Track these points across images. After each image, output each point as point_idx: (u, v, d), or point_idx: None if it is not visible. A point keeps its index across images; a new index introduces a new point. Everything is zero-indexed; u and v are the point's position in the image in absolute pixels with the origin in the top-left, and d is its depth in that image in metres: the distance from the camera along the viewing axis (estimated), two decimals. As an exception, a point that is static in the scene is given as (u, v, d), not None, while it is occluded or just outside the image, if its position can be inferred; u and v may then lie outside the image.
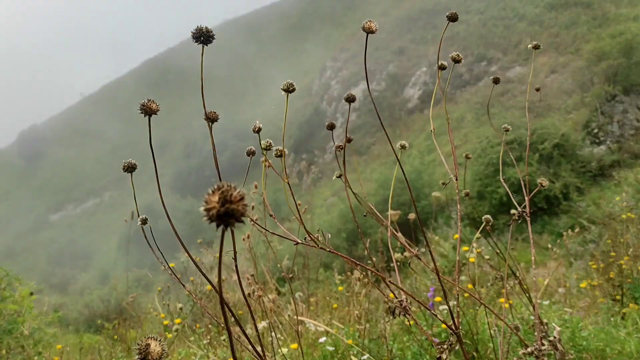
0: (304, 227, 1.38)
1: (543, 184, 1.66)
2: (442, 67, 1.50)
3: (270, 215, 1.63)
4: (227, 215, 0.56)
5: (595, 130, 16.59)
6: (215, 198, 0.58)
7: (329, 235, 1.49)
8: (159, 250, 1.44)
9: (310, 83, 41.22)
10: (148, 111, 1.01)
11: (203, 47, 1.09)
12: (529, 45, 1.72)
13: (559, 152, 14.57)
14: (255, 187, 1.94)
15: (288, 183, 1.51)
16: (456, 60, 1.46)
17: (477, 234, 1.82)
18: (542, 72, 23.10)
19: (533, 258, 1.63)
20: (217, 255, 0.67)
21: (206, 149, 40.37)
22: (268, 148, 1.46)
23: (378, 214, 1.65)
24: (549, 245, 5.85)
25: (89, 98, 75.12)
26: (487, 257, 2.86)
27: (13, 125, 71.62)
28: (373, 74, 33.95)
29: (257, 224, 1.57)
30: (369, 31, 1.25)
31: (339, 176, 1.56)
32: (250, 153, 1.48)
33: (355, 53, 36.89)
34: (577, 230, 5.72)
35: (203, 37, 1.06)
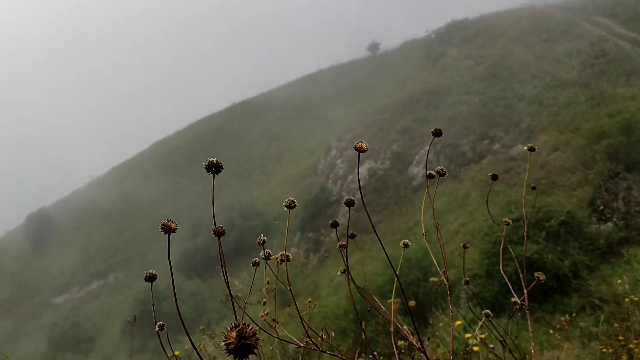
0: (305, 327, 1.36)
1: (540, 278, 1.65)
2: (429, 176, 1.57)
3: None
4: (243, 349, 0.77)
5: (601, 207, 16.56)
6: (234, 334, 0.77)
7: (332, 334, 1.47)
8: (163, 334, 1.42)
9: (316, 162, 41.82)
10: (167, 230, 1.11)
11: (214, 176, 1.28)
12: (524, 148, 1.77)
13: (565, 230, 14.47)
14: (268, 282, 1.93)
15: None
16: (441, 174, 1.55)
17: (480, 322, 1.78)
18: (544, 150, 23.40)
19: (532, 352, 1.58)
20: (221, 344, 0.77)
21: (212, 228, 40.35)
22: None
23: (380, 304, 1.62)
24: (563, 325, 5.68)
25: (97, 180, 76.24)
26: (491, 345, 2.77)
27: (23, 208, 72.11)
28: (377, 153, 34.48)
29: (265, 329, 1.55)
30: (360, 150, 1.33)
31: (343, 272, 1.56)
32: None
33: (360, 133, 37.68)
34: (588, 310, 5.58)
35: (214, 168, 1.27)
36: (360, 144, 1.35)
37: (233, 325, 0.75)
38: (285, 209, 1.36)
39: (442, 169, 1.50)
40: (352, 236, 1.62)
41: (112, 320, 39.89)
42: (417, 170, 31.52)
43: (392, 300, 1.65)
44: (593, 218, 16.38)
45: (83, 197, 72.13)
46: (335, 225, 1.68)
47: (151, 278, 1.25)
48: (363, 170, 33.81)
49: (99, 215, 62.49)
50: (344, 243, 1.61)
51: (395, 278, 1.50)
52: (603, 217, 16.35)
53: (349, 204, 1.50)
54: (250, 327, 0.73)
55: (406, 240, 1.59)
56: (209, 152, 59.34)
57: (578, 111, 25.67)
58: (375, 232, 1.52)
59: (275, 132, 58.03)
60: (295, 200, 1.38)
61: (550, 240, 14.27)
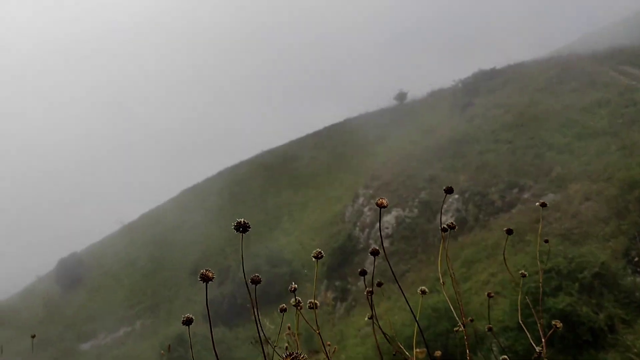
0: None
1: (557, 326, 1.65)
2: (444, 230, 1.61)
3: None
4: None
5: (636, 259, 16.07)
6: (289, 360, 0.81)
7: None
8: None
9: (343, 210, 41.81)
10: (205, 279, 1.23)
11: (242, 236, 1.42)
12: (537, 203, 1.81)
13: (600, 282, 14.05)
14: (289, 328, 1.97)
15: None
16: (451, 227, 1.57)
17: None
18: (576, 199, 23.00)
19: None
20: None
21: (239, 275, 40.25)
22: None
23: (408, 355, 1.64)
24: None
25: (128, 226, 77.38)
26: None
27: (55, 253, 73.37)
28: (405, 201, 34.35)
29: None
30: (381, 206, 1.41)
31: (370, 318, 1.60)
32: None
33: (388, 181, 37.70)
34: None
35: (242, 228, 1.37)
36: (381, 200, 1.42)
37: (288, 353, 0.82)
38: (314, 259, 1.43)
39: (452, 223, 1.53)
40: (379, 284, 1.66)
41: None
42: (445, 219, 31.20)
43: (416, 350, 1.66)
44: (628, 270, 15.88)
45: (112, 243, 73.18)
46: (363, 273, 1.72)
47: (188, 322, 1.32)
48: (391, 218, 33.65)
49: (127, 260, 63.19)
50: (371, 289, 1.64)
51: (417, 325, 1.52)
52: (638, 269, 15.85)
53: (374, 253, 1.55)
54: (303, 355, 0.80)
55: (424, 288, 1.62)
56: (237, 199, 60.02)
57: (610, 160, 25.30)
58: (398, 284, 1.56)
59: (302, 179, 58.52)
60: (322, 252, 1.44)
61: (584, 292, 13.85)
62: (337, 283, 32.46)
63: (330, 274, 33.44)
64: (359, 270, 1.71)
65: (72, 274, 66.02)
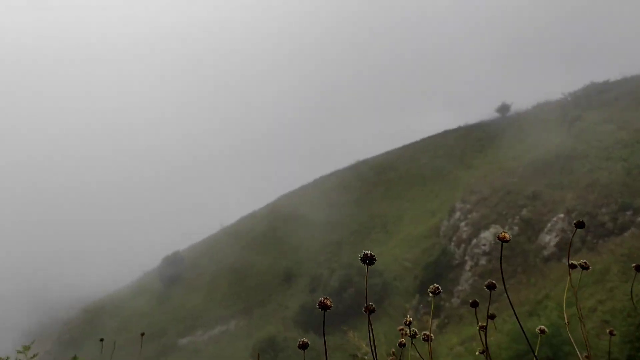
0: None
1: None
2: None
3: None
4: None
5: None
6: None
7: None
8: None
9: (438, 223, 40.86)
10: (324, 307, 1.25)
11: (367, 267, 1.53)
12: None
13: None
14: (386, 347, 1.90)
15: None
16: (584, 267, 1.43)
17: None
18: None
19: None
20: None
21: (331, 284, 40.51)
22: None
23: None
24: None
25: (226, 229, 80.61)
26: None
27: (161, 250, 78.01)
28: (504, 218, 32.91)
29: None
30: (503, 240, 1.33)
31: (482, 352, 1.50)
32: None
33: (486, 196, 36.34)
34: None
35: (368, 260, 1.48)
36: (503, 234, 1.34)
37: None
38: (430, 294, 1.38)
39: (585, 262, 1.40)
40: (475, 304, 1.55)
41: (231, 367, 40.99)
42: (549, 239, 29.49)
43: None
44: None
45: (211, 244, 76.48)
46: (474, 304, 1.63)
47: (303, 346, 1.28)
48: (488, 235, 32.38)
49: (225, 262, 65.65)
50: (473, 301, 1.54)
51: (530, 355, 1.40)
52: None
53: (491, 287, 1.45)
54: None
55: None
56: (332, 208, 60.47)
57: None
58: (511, 304, 1.45)
59: (397, 190, 57.92)
60: (439, 287, 1.38)
61: None
62: (429, 299, 31.69)
63: (422, 288, 32.73)
64: (471, 301, 1.61)
65: (174, 272, 69.79)
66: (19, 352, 4.23)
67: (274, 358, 32.21)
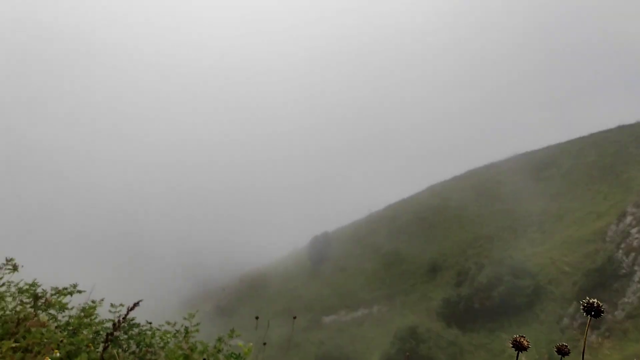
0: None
1: None
2: None
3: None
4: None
5: None
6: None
7: None
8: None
9: (604, 227, 37.23)
10: (519, 347, 1.19)
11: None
12: None
13: None
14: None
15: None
16: None
17: None
18: None
19: None
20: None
21: (478, 280, 39.08)
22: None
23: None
24: None
25: (374, 215, 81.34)
26: None
27: (309, 228, 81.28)
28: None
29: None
30: None
31: None
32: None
33: (666, 201, 32.24)
34: None
35: (594, 311, 1.38)
36: None
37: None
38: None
39: None
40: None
41: (372, 352, 41.65)
42: None
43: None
44: None
45: (358, 228, 77.79)
46: None
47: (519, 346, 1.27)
48: (665, 244, 28.81)
49: (371, 247, 66.47)
50: None
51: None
52: None
53: None
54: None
55: None
56: (486, 199, 58.16)
57: None
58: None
59: (559, 188, 53.76)
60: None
61: None
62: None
63: (581, 296, 30.16)
64: None
65: (322, 252, 72.38)
66: (185, 318, 4.71)
67: (415, 348, 32.03)
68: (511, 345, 1.08)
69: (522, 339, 1.05)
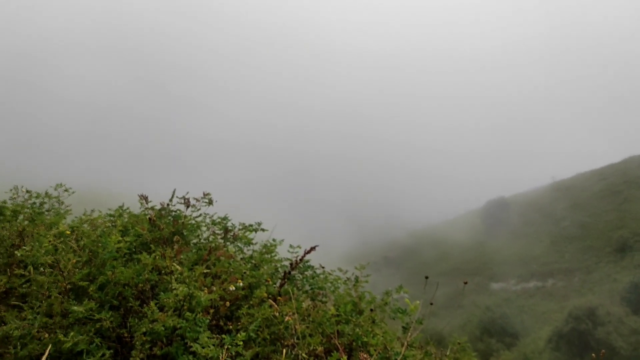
0: None
1: None
2: None
3: None
4: None
5: None
6: None
7: None
8: None
9: None
10: None
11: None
12: None
13: None
14: None
15: None
16: None
17: None
18: None
19: None
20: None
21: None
22: None
23: None
24: None
25: (559, 183, 75.57)
26: None
27: (485, 193, 78.62)
28: None
29: None
30: None
31: None
32: None
33: None
34: None
35: None
36: None
37: None
38: None
39: None
40: None
41: (540, 326, 39.72)
42: None
43: None
44: None
45: (539, 196, 73.27)
46: None
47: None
48: None
49: (552, 217, 62.41)
50: None
51: None
52: None
53: None
54: None
55: None
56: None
57: None
58: None
59: None
60: None
61: None
62: None
63: None
64: None
65: (497, 217, 69.66)
66: (356, 268, 5.00)
67: (591, 330, 29.78)
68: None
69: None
